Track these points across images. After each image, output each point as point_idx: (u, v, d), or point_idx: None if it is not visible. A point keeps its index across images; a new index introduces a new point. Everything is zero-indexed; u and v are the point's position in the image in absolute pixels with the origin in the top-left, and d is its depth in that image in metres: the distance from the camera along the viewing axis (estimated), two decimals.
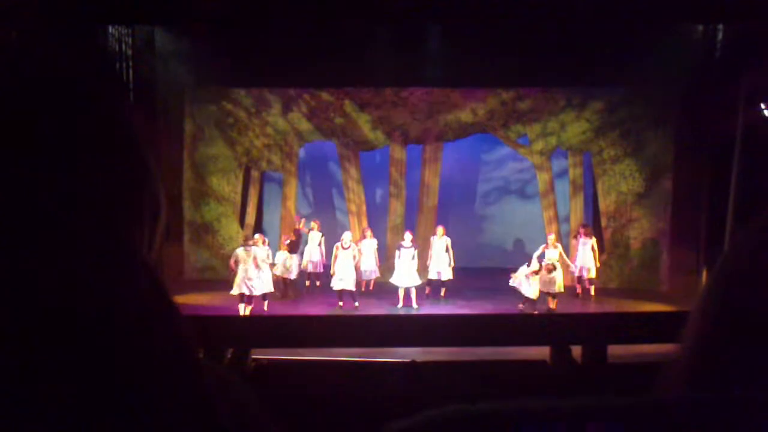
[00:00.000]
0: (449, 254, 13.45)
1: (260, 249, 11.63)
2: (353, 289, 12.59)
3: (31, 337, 0.52)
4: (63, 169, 0.58)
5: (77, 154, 0.60)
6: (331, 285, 12.63)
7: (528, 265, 11.94)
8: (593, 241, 13.47)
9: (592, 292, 13.35)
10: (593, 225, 15.69)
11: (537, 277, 11.78)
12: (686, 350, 0.82)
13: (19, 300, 0.52)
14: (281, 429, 0.87)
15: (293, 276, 13.21)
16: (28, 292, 0.53)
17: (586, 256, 13.38)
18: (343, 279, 12.48)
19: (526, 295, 11.82)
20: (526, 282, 11.82)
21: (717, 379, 0.77)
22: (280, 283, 12.96)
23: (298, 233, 13.43)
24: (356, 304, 12.51)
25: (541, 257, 12.09)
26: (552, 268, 11.83)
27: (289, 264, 13.10)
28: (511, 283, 12.12)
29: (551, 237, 12.70)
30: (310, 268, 13.86)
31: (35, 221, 0.55)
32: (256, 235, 12.42)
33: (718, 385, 0.76)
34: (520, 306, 11.96)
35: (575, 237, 13.70)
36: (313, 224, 13.92)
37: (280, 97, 15.04)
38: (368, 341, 6.16)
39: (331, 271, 12.68)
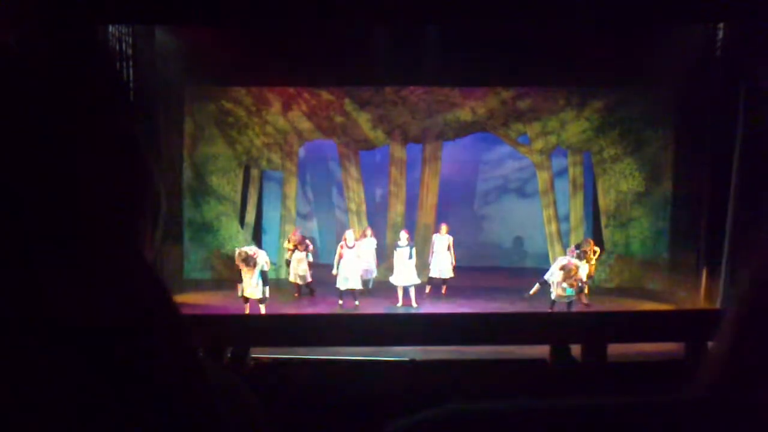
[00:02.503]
0: (450, 252, 13.46)
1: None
2: (360, 287, 12.63)
3: (31, 335, 0.52)
4: (64, 170, 0.58)
5: (78, 154, 0.60)
6: (336, 285, 12.62)
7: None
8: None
9: (585, 291, 13.13)
10: (593, 224, 15.70)
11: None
12: (716, 355, 0.82)
13: (20, 299, 0.52)
14: (281, 428, 0.87)
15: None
16: (29, 291, 0.53)
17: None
18: (348, 278, 12.48)
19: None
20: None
21: (741, 383, 0.77)
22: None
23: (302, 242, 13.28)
24: (356, 303, 12.51)
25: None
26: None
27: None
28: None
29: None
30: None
31: (36, 221, 0.55)
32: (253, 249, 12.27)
33: (742, 389, 0.76)
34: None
35: (575, 250, 13.12)
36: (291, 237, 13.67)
37: (279, 95, 15.04)
38: (368, 340, 6.16)
39: (334, 271, 12.66)
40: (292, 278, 13.23)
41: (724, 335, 0.80)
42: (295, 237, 13.39)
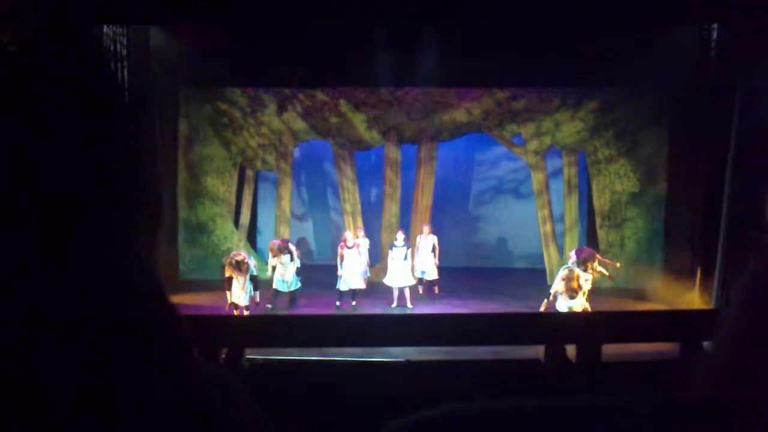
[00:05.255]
0: (435, 253, 13.45)
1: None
2: (363, 287, 12.56)
3: (30, 337, 0.52)
4: (60, 171, 0.58)
5: (74, 155, 0.60)
6: (337, 287, 12.55)
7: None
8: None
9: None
10: (587, 224, 15.71)
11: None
12: (715, 354, 0.82)
13: (18, 301, 0.52)
14: (276, 428, 0.87)
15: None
16: (26, 293, 0.53)
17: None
18: (349, 279, 12.44)
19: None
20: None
21: (743, 382, 0.77)
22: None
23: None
24: (353, 303, 12.48)
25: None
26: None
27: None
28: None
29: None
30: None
31: (32, 221, 0.55)
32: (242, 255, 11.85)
33: (744, 388, 0.76)
34: None
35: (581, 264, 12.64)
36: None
37: (275, 96, 15.02)
38: (363, 341, 6.16)
39: (339, 272, 12.58)
40: (274, 284, 12.40)
41: (723, 335, 0.80)
42: (276, 245, 12.58)
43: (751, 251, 10.13)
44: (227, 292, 11.49)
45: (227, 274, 11.45)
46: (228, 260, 11.58)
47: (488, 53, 12.43)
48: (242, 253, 11.82)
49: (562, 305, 11.10)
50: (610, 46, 12.22)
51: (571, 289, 10.90)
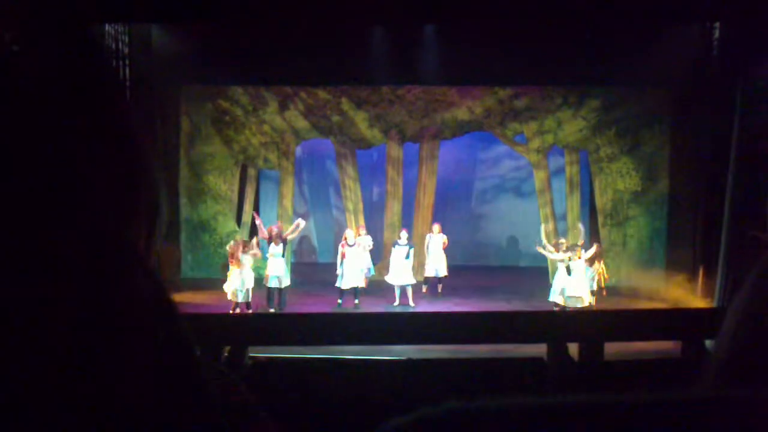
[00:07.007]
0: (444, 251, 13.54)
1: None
2: (363, 285, 12.58)
3: (28, 337, 0.52)
4: (61, 169, 0.58)
5: (75, 154, 0.60)
6: (337, 284, 12.54)
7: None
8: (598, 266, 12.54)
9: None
10: (590, 222, 15.69)
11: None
12: (719, 351, 0.81)
13: (17, 299, 0.52)
14: (279, 427, 0.87)
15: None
16: (26, 292, 0.53)
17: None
18: (350, 277, 12.43)
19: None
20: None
21: (747, 380, 0.77)
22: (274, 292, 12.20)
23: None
24: (356, 301, 12.48)
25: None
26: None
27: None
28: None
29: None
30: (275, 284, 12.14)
31: (33, 220, 0.55)
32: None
33: (748, 386, 0.76)
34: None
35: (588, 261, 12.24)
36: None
37: (276, 95, 15.02)
38: (365, 339, 6.17)
39: (338, 270, 12.58)
40: (271, 283, 11.97)
41: (726, 333, 0.80)
42: (275, 229, 12.17)
43: (753, 249, 10.14)
44: (224, 285, 11.53)
45: (229, 254, 11.47)
46: (233, 241, 11.68)
47: (490, 51, 12.43)
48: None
49: (559, 296, 11.25)
50: (612, 44, 12.21)
51: (557, 245, 11.39)
